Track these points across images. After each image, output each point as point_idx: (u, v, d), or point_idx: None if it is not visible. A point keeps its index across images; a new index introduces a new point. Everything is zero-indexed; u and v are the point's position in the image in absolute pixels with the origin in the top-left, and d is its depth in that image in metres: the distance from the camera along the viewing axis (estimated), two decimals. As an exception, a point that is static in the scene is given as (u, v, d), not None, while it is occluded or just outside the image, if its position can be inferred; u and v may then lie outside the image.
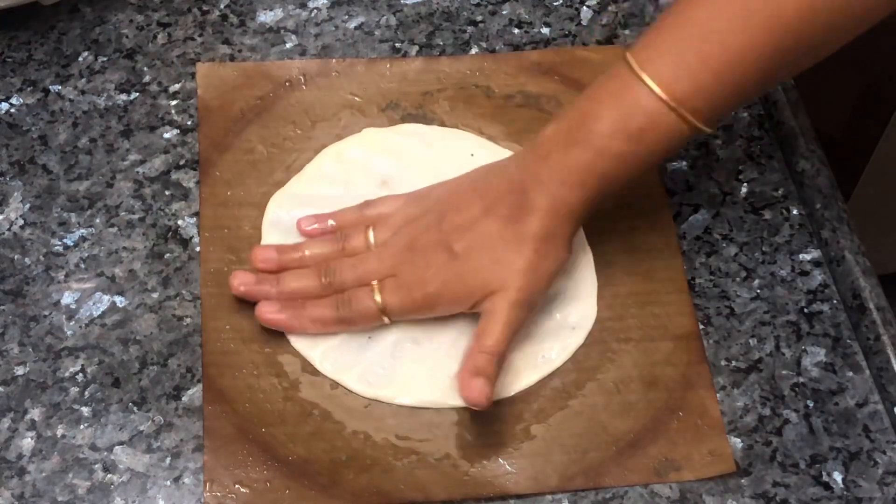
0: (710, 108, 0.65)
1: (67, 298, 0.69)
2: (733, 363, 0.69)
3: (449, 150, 0.76)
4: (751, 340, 0.70)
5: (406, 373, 0.68)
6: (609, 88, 0.67)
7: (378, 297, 0.67)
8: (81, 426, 0.65)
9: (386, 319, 0.68)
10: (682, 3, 0.65)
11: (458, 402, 0.66)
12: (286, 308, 0.68)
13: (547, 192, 0.66)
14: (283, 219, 0.73)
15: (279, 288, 0.69)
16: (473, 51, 0.82)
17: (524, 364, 0.68)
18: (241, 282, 0.69)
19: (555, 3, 0.85)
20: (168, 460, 0.64)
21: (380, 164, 0.76)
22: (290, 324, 0.68)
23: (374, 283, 0.68)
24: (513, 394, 0.68)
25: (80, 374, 0.67)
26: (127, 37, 0.81)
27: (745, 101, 0.77)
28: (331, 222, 0.72)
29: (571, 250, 0.68)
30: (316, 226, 0.72)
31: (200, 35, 0.82)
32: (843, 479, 0.65)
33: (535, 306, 0.68)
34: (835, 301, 0.72)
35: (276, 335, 0.68)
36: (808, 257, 0.74)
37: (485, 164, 0.71)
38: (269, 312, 0.68)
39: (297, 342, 0.68)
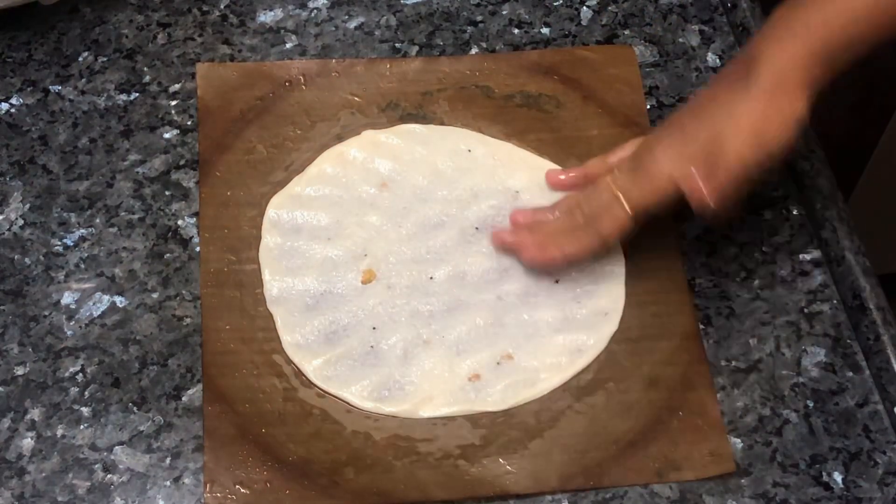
0: None
1: (67, 298, 0.69)
2: (733, 363, 0.69)
3: (446, 147, 0.77)
4: (751, 340, 0.70)
5: (423, 382, 0.67)
6: None
7: (614, 187, 0.68)
8: (81, 426, 0.65)
9: (627, 209, 0.68)
10: None
11: (482, 406, 0.66)
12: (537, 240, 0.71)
13: (772, 59, 0.65)
14: (283, 219, 0.73)
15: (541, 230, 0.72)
16: (473, 51, 0.82)
17: (560, 359, 0.68)
18: (504, 234, 0.72)
19: (555, 3, 0.85)
20: (168, 460, 0.64)
21: (379, 166, 0.76)
22: (541, 244, 0.71)
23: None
24: (556, 386, 0.68)
25: (80, 374, 0.67)
26: (127, 37, 0.81)
27: None
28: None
29: (808, 108, 0.66)
30: (563, 177, 0.75)
31: (200, 35, 0.82)
32: (843, 480, 0.65)
33: (771, 155, 0.66)
34: (835, 301, 0.72)
35: (275, 336, 0.68)
36: (808, 257, 0.74)
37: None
38: (528, 247, 0.71)
39: (294, 353, 0.68)
